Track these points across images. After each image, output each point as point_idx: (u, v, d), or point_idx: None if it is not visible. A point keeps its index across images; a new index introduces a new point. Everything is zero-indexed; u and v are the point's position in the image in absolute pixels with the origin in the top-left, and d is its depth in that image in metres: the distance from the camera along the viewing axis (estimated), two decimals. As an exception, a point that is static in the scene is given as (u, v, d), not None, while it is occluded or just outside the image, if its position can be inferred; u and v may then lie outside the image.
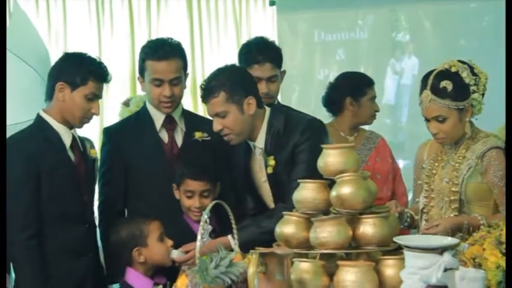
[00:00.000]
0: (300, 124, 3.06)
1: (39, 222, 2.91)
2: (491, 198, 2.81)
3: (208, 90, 2.98)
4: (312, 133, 3.02)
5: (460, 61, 2.86)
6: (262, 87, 3.39)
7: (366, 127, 4.15)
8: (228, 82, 2.98)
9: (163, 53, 3.18)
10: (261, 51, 3.44)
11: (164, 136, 3.28)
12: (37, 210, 2.91)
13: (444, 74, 2.82)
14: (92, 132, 5.60)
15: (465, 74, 2.80)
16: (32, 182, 2.90)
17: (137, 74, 3.30)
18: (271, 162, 3.02)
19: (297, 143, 3.00)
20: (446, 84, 2.78)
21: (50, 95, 3.03)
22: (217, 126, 3.00)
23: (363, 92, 3.98)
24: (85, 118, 3.04)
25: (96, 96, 3.02)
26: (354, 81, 4.05)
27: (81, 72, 2.98)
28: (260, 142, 3.07)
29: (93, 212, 3.13)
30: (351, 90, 3.98)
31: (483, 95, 2.85)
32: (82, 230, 3.02)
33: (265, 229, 2.84)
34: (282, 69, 3.52)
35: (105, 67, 3.07)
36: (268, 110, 3.10)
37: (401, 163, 4.58)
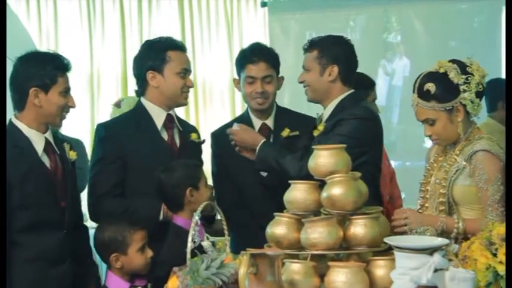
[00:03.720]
0: (355, 109, 3.15)
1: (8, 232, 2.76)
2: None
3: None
4: (355, 117, 3.11)
5: (452, 60, 2.80)
6: (257, 87, 3.41)
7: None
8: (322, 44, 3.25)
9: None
10: (255, 52, 3.47)
11: (164, 134, 3.28)
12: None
13: (430, 76, 2.79)
14: (84, 133, 5.62)
15: (453, 74, 2.74)
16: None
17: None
18: (320, 127, 3.18)
19: (340, 118, 3.12)
20: (429, 87, 2.75)
21: (21, 104, 2.92)
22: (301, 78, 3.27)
23: (364, 93, 3.93)
24: (64, 114, 2.98)
25: (68, 89, 2.96)
26: (356, 83, 4.03)
27: (47, 71, 2.90)
28: (327, 110, 3.23)
29: (74, 217, 2.99)
30: None
31: (481, 93, 2.77)
32: (59, 237, 2.91)
33: (283, 165, 3.10)
34: (279, 75, 3.51)
35: (63, 57, 2.99)
36: (350, 91, 3.24)
37: (392, 164, 4.60)
